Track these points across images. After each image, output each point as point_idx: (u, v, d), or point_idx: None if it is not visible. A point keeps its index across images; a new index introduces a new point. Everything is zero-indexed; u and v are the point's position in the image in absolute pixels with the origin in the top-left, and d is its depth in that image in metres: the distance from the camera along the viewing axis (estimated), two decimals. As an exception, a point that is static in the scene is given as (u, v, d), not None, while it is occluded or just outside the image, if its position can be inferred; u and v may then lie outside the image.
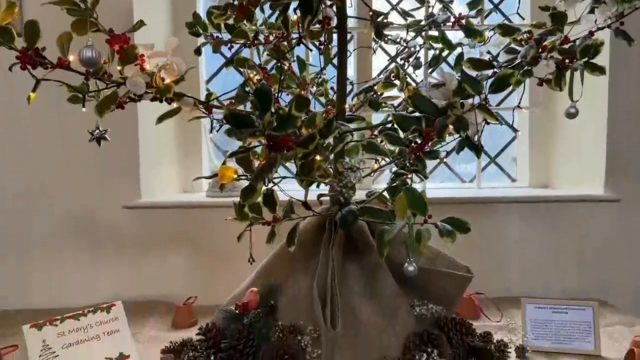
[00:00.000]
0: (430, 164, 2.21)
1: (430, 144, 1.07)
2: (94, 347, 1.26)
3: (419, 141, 1.05)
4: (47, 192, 1.78)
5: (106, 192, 1.79)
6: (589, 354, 1.32)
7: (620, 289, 1.85)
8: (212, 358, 1.21)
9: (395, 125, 1.19)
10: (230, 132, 0.95)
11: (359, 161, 1.13)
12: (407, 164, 1.43)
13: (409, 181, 1.43)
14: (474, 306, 1.60)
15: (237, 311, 1.29)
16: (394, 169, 1.40)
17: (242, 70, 1.17)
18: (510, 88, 1.09)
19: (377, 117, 1.84)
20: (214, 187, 1.90)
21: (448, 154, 1.46)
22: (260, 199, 1.22)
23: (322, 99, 1.52)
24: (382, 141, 1.13)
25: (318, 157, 1.04)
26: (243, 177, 1.10)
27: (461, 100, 1.03)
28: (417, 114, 1.09)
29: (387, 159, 1.13)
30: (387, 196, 1.40)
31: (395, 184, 1.41)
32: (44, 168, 1.78)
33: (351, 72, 2.01)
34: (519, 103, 1.42)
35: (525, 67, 1.14)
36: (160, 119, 1.18)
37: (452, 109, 1.01)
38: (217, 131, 1.34)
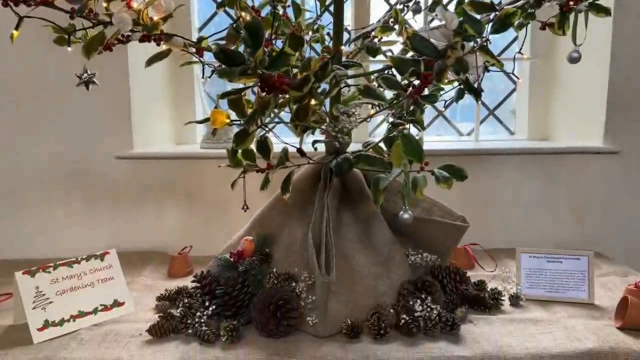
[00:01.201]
0: (428, 116, 2.18)
1: (428, 87, 1.04)
2: (88, 294, 1.26)
3: (417, 84, 1.02)
4: (37, 141, 1.75)
5: (99, 142, 1.76)
6: (582, 302, 1.32)
7: (615, 241, 1.85)
8: (207, 304, 1.21)
9: (393, 70, 1.16)
10: (222, 73, 0.91)
11: (355, 106, 1.10)
12: (405, 114, 1.40)
13: (406, 132, 1.41)
14: (468, 256, 1.60)
15: (231, 259, 1.29)
16: (391, 119, 1.37)
17: (234, 10, 1.12)
18: (512, 35, 1.05)
19: (373, 68, 1.80)
20: (207, 139, 1.87)
21: (447, 104, 1.43)
22: (254, 146, 1.20)
23: (318, 47, 1.48)
24: (379, 86, 1.09)
25: (313, 102, 1.01)
26: (236, 122, 1.07)
27: (462, 42, 0.99)
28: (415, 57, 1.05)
29: (383, 104, 1.10)
30: (384, 148, 1.38)
31: (392, 135, 1.39)
32: (33, 116, 1.74)
33: (349, 20, 1.94)
34: (520, 49, 1.38)
35: (528, 10, 1.10)
36: (150, 61, 1.14)
37: (453, 50, 0.97)
38: (210, 77, 1.30)
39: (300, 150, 1.12)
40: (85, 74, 1.17)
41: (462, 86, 1.27)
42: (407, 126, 1.38)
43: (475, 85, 1.16)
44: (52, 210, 1.79)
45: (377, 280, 1.27)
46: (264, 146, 1.16)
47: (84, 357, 1.08)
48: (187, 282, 1.42)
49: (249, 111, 1.02)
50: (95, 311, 1.25)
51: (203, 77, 1.26)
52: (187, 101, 2.01)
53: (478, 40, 1.02)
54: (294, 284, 1.22)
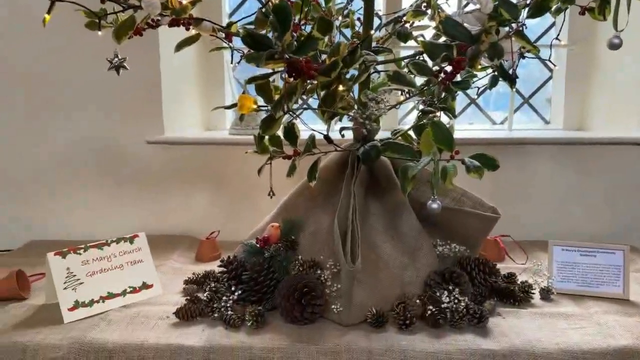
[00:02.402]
0: (460, 104, 2.13)
1: (460, 74, 1.00)
2: (117, 276, 1.28)
3: (449, 70, 0.99)
4: (69, 125, 1.78)
5: (130, 127, 1.78)
6: (616, 297, 1.28)
7: (652, 236, 1.79)
8: (233, 289, 1.22)
9: (424, 56, 1.13)
10: (250, 58, 0.91)
11: (383, 92, 1.08)
12: (435, 101, 1.37)
13: (436, 119, 1.38)
14: (499, 248, 1.57)
15: (258, 245, 1.29)
16: (421, 106, 1.35)
17: (263, -6, 1.11)
18: (549, 21, 1.01)
19: (403, 54, 1.76)
20: (236, 125, 1.88)
21: (480, 92, 1.39)
22: (281, 133, 1.19)
23: (348, 33, 1.45)
24: (409, 72, 1.07)
25: (341, 87, 0.99)
26: (263, 108, 1.07)
27: (497, 27, 0.96)
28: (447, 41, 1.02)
29: (413, 91, 1.08)
30: (413, 136, 1.35)
31: (422, 122, 1.36)
32: (65, 100, 1.77)
33: (380, 4, 1.91)
34: (557, 35, 1.33)
35: (568, -7, 1.06)
36: (179, 46, 1.14)
37: (487, 35, 0.94)
38: (238, 63, 1.30)
39: (327, 137, 1.11)
40: (116, 59, 1.18)
41: (496, 73, 1.24)
42: (438, 114, 1.35)
43: (510, 72, 1.13)
44: (83, 193, 1.82)
45: (403, 270, 1.25)
46: (291, 133, 1.15)
47: (112, 338, 1.10)
48: (215, 267, 1.43)
49: (277, 97, 1.01)
50: (124, 293, 1.27)
51: (232, 63, 1.26)
52: (217, 87, 2.02)
53: (514, 25, 0.99)
54: (319, 272, 1.21)
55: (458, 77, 1.05)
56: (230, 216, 1.81)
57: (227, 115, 2.06)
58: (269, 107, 1.01)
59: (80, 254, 1.25)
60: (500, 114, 2.09)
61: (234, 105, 1.11)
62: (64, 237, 1.80)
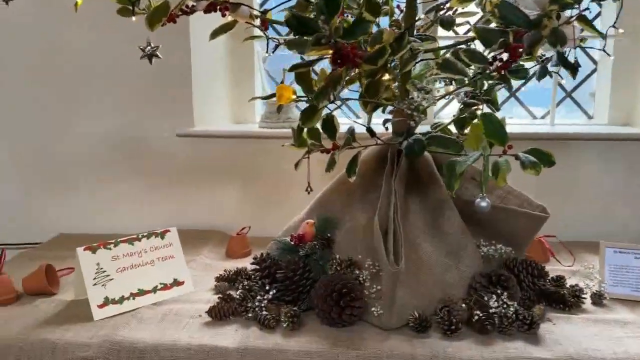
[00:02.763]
0: (499, 97, 2.04)
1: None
2: (148, 272, 1.24)
3: (504, 58, 0.91)
4: (99, 117, 1.75)
5: (160, 119, 1.74)
6: (674, 304, 1.20)
7: None
8: (267, 288, 1.17)
9: (475, 43, 1.06)
10: (292, 44, 0.85)
11: (432, 81, 1.01)
12: (479, 93, 1.29)
13: (478, 112, 1.31)
14: (544, 249, 1.49)
15: (292, 242, 1.24)
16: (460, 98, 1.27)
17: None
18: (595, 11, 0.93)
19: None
20: (267, 118, 1.83)
21: (527, 80, 1.31)
22: (318, 125, 1.13)
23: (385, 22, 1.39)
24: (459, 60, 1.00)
25: (387, 76, 0.93)
26: (302, 99, 1.01)
27: (558, 11, 0.88)
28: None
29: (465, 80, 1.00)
30: (452, 130, 1.28)
31: (463, 116, 1.29)
32: (95, 92, 1.74)
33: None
34: (614, 23, 1.25)
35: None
36: (214, 33, 1.09)
37: (549, 19, 0.86)
38: (273, 52, 1.25)
39: (370, 130, 1.05)
40: (149, 47, 1.14)
41: (544, 63, 1.16)
42: (481, 106, 1.28)
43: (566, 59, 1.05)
44: (112, 187, 1.80)
45: (445, 271, 1.18)
46: (330, 125, 1.09)
47: (143, 337, 1.06)
48: (246, 263, 1.39)
49: (317, 87, 0.95)
50: (154, 290, 1.23)
51: (267, 52, 1.21)
52: (247, 79, 1.97)
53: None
54: (357, 272, 1.16)
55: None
56: (260, 211, 1.77)
57: (256, 108, 2.01)
58: (309, 98, 0.95)
59: (110, 249, 1.22)
60: (536, 110, 2.00)
61: (272, 96, 1.06)
62: (93, 231, 1.77)
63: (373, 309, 1.09)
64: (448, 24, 1.30)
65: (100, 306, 1.16)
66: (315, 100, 0.86)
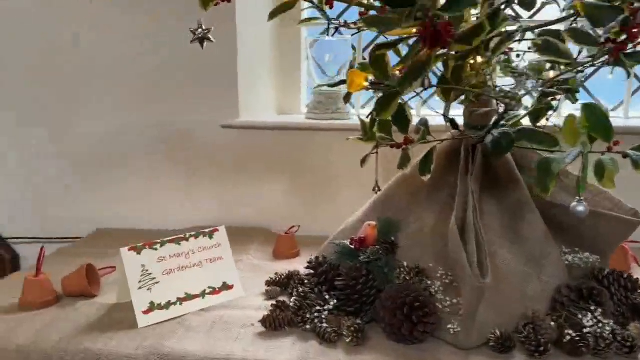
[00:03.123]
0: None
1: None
2: (196, 275, 1.15)
3: (621, 39, 0.77)
4: (140, 108, 1.67)
5: (204, 110, 1.65)
6: None
7: None
8: (326, 297, 1.06)
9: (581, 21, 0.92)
10: (372, 22, 0.73)
11: (536, 66, 0.88)
12: (557, 81, 1.15)
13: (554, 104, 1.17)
14: (626, 256, 1.33)
15: (352, 246, 1.12)
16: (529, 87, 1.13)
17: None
18: None
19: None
20: (314, 109, 1.71)
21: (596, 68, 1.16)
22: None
23: None
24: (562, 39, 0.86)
25: (478, 59, 0.80)
26: (375, 85, 0.89)
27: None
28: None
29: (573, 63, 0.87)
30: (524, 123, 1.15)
31: (540, 106, 1.15)
32: (137, 81, 1.65)
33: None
34: None
35: None
36: (273, 14, 0.98)
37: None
38: (332, 35, 1.13)
39: (452, 122, 0.92)
40: (200, 30, 1.03)
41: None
42: (559, 97, 1.13)
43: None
44: (155, 180, 1.71)
45: (525, 281, 1.05)
46: (402, 116, 0.96)
47: (193, 348, 0.97)
48: (296, 265, 1.29)
49: (396, 72, 0.83)
50: (203, 294, 1.14)
51: (327, 35, 1.09)
52: (293, 67, 1.85)
53: None
54: (427, 282, 1.03)
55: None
56: (308, 209, 1.66)
57: (301, 99, 1.89)
58: (385, 84, 0.83)
59: (156, 249, 1.12)
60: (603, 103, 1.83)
61: (341, 83, 0.94)
62: (132, 226, 1.70)
63: (449, 326, 0.96)
64: (528, 4, 1.15)
65: (146, 312, 1.06)
66: (399, 86, 0.73)
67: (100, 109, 1.68)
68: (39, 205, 1.76)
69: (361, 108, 1.82)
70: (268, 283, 1.23)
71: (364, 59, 1.07)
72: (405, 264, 1.07)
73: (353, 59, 1.29)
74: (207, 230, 1.19)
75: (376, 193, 1.08)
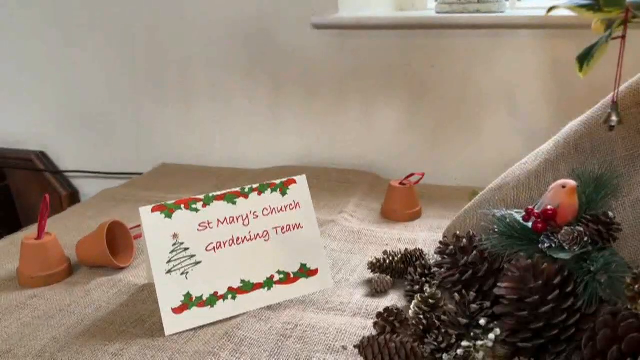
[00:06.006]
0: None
1: None
2: (257, 253, 0.72)
3: None
4: (212, 2, 1.23)
5: (289, 3, 1.18)
6: None
7: None
8: (481, 320, 0.58)
9: None
10: None
11: None
12: None
13: None
14: None
15: (529, 224, 0.62)
16: None
17: None
18: None
19: None
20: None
21: None
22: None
23: None
24: None
25: None
26: None
27: None
28: None
29: None
30: None
31: None
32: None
33: None
34: None
35: None
36: None
37: None
38: None
39: None
40: None
41: None
42: None
43: None
44: (224, 102, 1.31)
45: None
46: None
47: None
48: (417, 233, 0.85)
49: None
50: (268, 284, 0.72)
51: None
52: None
53: None
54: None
55: None
56: (436, 148, 1.17)
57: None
58: None
59: (196, 210, 0.71)
60: None
61: None
62: (199, 162, 1.33)
63: None
64: None
65: (177, 310, 0.67)
66: None
67: (163, 16, 1.27)
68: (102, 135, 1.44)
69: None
70: (372, 266, 0.78)
71: None
72: (642, 269, 0.55)
73: None
74: (277, 182, 0.75)
75: (611, 129, 0.56)
